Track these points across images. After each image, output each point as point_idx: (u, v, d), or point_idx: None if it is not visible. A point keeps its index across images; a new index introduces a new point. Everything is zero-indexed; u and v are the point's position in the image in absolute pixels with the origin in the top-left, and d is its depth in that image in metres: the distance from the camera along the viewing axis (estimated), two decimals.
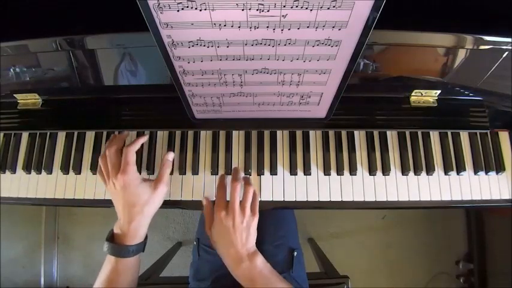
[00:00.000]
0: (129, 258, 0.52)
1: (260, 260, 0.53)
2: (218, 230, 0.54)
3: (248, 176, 0.61)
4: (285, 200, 0.61)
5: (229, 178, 0.59)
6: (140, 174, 0.58)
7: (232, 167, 0.62)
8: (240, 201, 0.55)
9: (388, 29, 0.46)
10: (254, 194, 0.57)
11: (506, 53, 0.50)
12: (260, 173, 0.62)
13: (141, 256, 0.56)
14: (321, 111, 0.56)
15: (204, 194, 0.61)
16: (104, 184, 0.56)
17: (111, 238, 0.53)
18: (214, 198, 0.59)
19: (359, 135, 0.63)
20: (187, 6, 0.34)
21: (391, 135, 0.63)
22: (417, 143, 0.63)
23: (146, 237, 0.55)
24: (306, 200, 0.61)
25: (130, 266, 0.53)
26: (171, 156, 0.58)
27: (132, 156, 0.53)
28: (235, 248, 0.52)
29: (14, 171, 0.65)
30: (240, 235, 0.52)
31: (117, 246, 0.51)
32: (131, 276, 0.54)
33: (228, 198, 0.56)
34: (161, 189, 0.54)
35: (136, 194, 0.52)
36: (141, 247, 0.54)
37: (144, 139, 0.58)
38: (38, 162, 0.64)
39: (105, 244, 0.52)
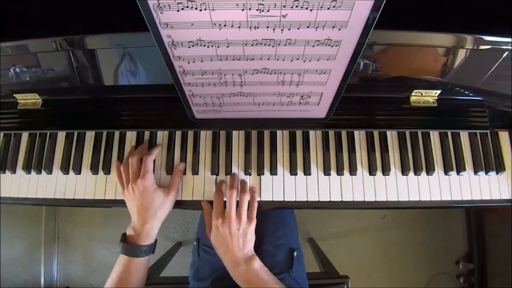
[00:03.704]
0: (141, 258, 0.55)
1: (257, 263, 0.55)
2: (216, 235, 0.56)
3: (245, 181, 0.61)
4: (285, 200, 0.61)
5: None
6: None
7: (232, 167, 0.62)
8: (237, 208, 0.56)
9: (388, 29, 0.46)
10: (252, 199, 0.58)
11: (506, 53, 0.50)
12: (260, 173, 0.62)
13: None
14: (321, 111, 0.56)
15: (204, 194, 0.61)
16: (120, 187, 0.60)
17: (124, 239, 0.56)
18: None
19: (359, 135, 0.63)
20: (187, 6, 0.34)
21: (391, 135, 0.63)
22: (417, 143, 0.63)
23: (156, 240, 0.59)
24: (306, 200, 0.61)
25: (141, 267, 0.56)
26: (182, 166, 0.62)
27: (151, 165, 0.58)
28: (232, 253, 0.55)
29: (14, 171, 0.65)
30: (236, 241, 0.55)
31: (131, 246, 0.55)
32: (141, 277, 0.57)
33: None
34: (172, 195, 0.59)
35: (151, 199, 0.56)
36: (153, 248, 0.58)
37: (159, 148, 0.62)
38: (38, 162, 0.64)
39: (119, 245, 0.55)
